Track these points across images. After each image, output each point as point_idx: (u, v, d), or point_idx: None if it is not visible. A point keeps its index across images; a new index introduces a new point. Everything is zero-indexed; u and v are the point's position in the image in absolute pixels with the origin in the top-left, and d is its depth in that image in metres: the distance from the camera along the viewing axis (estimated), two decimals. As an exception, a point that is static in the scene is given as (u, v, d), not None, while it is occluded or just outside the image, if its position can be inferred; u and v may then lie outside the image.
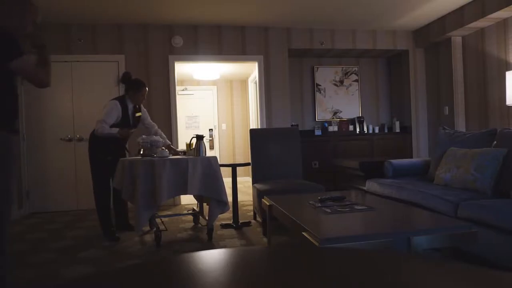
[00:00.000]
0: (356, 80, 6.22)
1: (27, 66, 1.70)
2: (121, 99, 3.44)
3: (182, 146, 7.57)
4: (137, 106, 3.57)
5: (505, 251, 2.09)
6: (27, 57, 1.69)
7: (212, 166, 3.11)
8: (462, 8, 4.74)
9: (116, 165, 3.29)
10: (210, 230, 3.17)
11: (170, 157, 3.13)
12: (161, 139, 3.30)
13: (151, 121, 3.80)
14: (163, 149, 3.23)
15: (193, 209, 3.86)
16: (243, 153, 7.93)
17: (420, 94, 5.84)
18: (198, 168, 3.04)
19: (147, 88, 3.52)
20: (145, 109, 3.79)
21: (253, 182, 3.98)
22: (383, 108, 6.36)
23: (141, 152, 3.25)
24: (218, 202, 3.13)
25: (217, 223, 3.82)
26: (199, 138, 3.26)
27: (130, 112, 3.48)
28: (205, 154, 3.26)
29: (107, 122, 3.24)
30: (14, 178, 1.76)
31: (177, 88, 7.43)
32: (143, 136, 3.27)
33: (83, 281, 0.65)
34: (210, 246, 3.01)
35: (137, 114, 3.59)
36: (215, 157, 3.19)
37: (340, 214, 2.03)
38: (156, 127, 3.82)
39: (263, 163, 4.04)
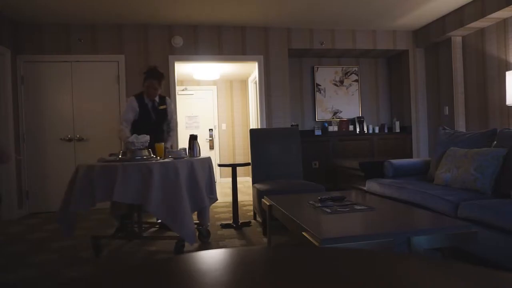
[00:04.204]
0: (356, 80, 6.22)
1: None
2: (138, 94, 3.43)
3: (182, 146, 7.55)
4: (156, 100, 3.44)
5: (505, 251, 2.09)
6: None
7: (173, 176, 2.51)
8: (462, 8, 4.74)
9: None
10: (207, 230, 3.14)
11: (160, 160, 2.76)
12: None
13: (175, 121, 3.68)
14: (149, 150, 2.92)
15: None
16: (243, 153, 7.93)
17: (420, 94, 5.84)
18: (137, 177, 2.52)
19: (154, 81, 3.31)
20: (171, 102, 3.57)
21: (253, 182, 3.98)
22: (383, 108, 6.36)
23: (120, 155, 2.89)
24: (210, 199, 3.00)
25: (217, 223, 3.82)
26: (193, 138, 3.20)
27: (149, 105, 3.41)
28: (200, 155, 3.19)
29: (126, 120, 3.28)
30: None
31: (177, 88, 7.44)
32: (137, 135, 2.90)
33: (83, 281, 0.65)
34: (210, 246, 3.01)
35: (161, 107, 3.47)
36: (182, 161, 2.69)
37: (340, 214, 2.03)
38: (174, 128, 3.68)
39: (263, 163, 4.04)
